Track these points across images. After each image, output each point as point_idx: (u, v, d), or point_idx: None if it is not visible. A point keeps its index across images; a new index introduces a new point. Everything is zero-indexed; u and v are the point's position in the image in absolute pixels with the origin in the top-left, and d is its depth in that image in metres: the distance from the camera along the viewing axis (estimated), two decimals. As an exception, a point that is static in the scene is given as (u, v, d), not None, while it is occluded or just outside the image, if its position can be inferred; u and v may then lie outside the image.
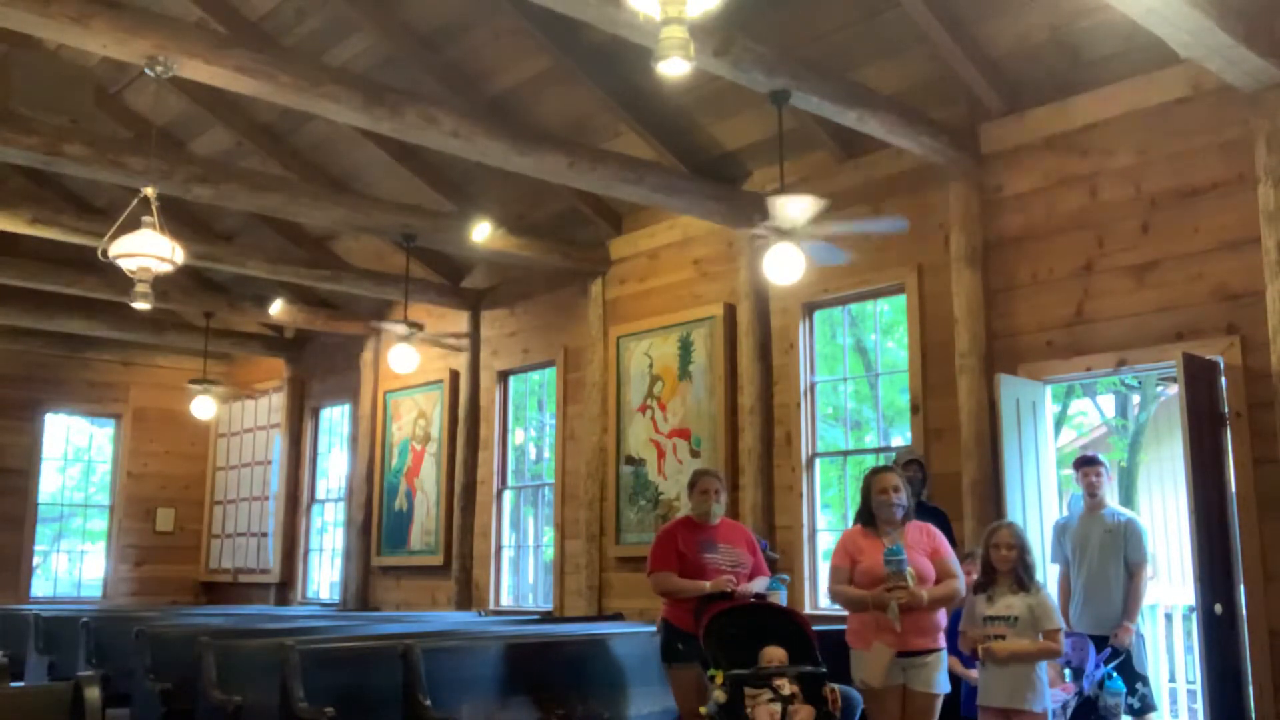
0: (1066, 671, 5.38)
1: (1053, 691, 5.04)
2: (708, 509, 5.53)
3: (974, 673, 4.95)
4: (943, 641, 4.84)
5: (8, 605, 10.83)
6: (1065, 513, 6.52)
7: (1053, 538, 6.13)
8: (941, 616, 4.86)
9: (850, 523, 5.25)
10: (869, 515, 4.96)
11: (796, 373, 7.74)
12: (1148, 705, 5.62)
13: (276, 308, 10.56)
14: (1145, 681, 5.68)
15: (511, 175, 7.44)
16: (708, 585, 5.32)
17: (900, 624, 4.66)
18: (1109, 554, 5.74)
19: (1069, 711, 5.27)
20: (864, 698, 4.88)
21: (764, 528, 7.54)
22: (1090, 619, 5.70)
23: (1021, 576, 4.78)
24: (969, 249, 6.72)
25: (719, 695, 4.78)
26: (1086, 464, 6.00)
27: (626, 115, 7.85)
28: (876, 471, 5.09)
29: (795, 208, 5.88)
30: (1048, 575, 6.03)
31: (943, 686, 4.80)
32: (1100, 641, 5.55)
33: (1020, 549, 4.82)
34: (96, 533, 13.45)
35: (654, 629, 5.74)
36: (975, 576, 5.44)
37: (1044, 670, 4.74)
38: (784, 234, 6.08)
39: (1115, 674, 5.44)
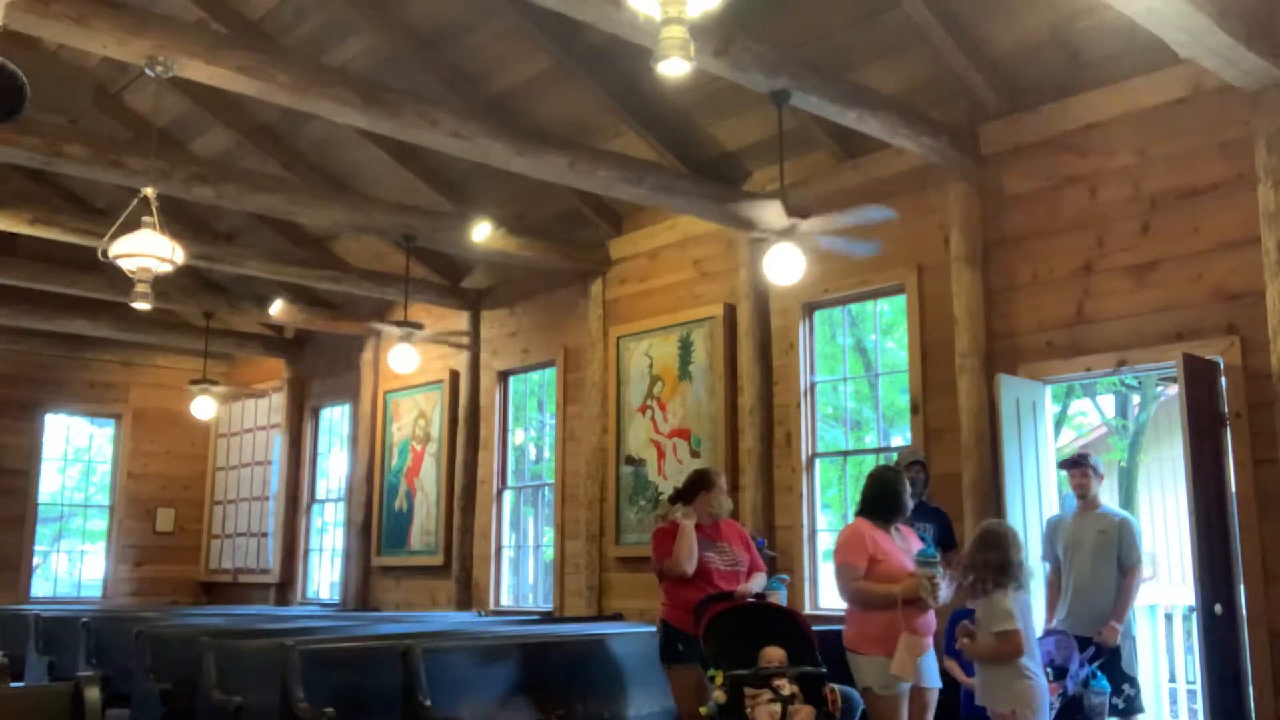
0: (1049, 671, 5.33)
1: None
2: (730, 505, 5.60)
3: (973, 680, 4.96)
4: None
5: (8, 605, 10.82)
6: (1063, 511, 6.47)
7: (1044, 534, 6.03)
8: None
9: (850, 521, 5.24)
10: (890, 512, 4.97)
11: (796, 373, 7.73)
12: (1134, 707, 5.55)
13: (276, 308, 10.55)
14: (1133, 683, 5.61)
15: (511, 175, 7.43)
16: (686, 523, 5.42)
17: (935, 601, 4.68)
18: (1102, 554, 5.66)
19: (1053, 712, 5.24)
20: (875, 704, 4.74)
21: (764, 528, 7.54)
22: (1083, 619, 5.60)
23: (985, 578, 4.74)
24: (969, 249, 6.72)
25: (719, 695, 4.79)
26: (1073, 465, 5.90)
27: (626, 115, 7.85)
28: (897, 470, 5.19)
29: (773, 211, 5.95)
30: (1037, 573, 5.99)
31: (939, 680, 4.91)
32: (1089, 641, 5.51)
33: (982, 548, 4.77)
34: (96, 533, 13.44)
35: (654, 629, 5.74)
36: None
37: (1028, 671, 4.67)
38: (784, 234, 6.09)
39: (1099, 673, 5.40)
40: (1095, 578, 5.66)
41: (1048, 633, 5.61)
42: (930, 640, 4.83)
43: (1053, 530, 5.97)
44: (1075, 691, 5.34)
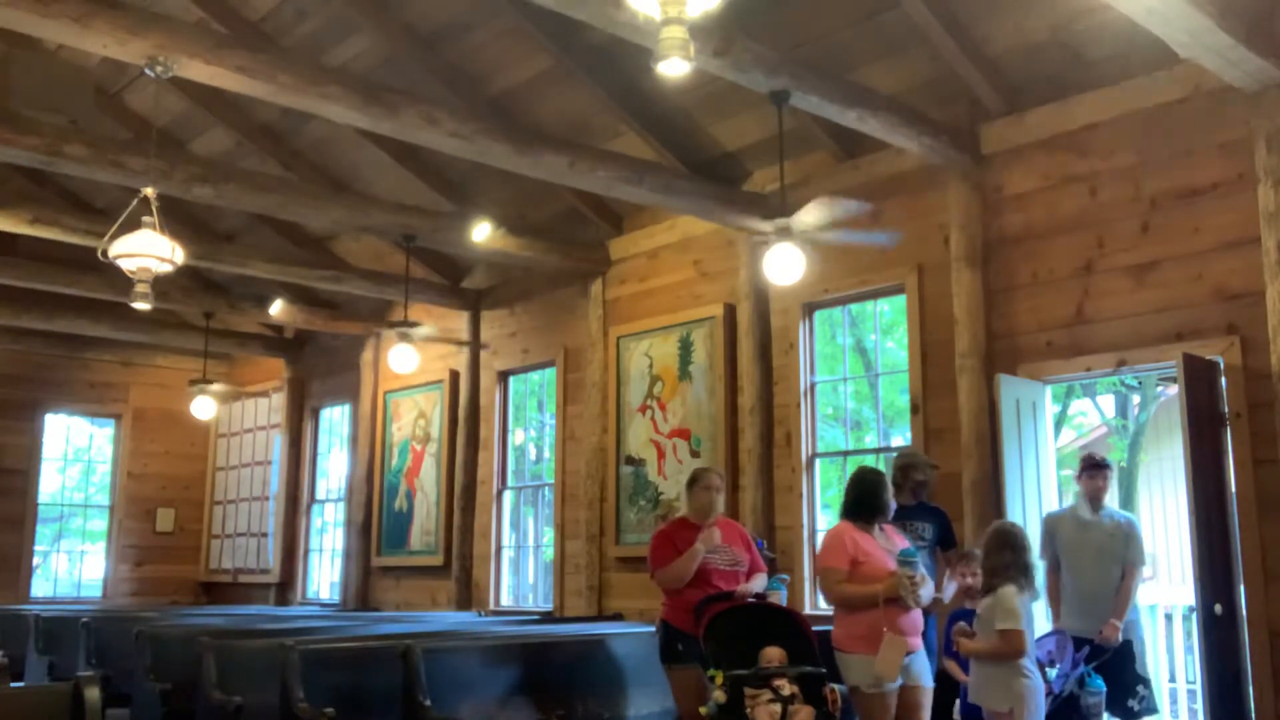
0: (1050, 670, 5.31)
1: None
2: (710, 502, 5.55)
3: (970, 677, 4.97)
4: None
5: (8, 605, 10.82)
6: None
7: (1042, 533, 5.91)
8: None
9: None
10: (872, 512, 4.98)
11: (796, 373, 7.73)
12: (1147, 708, 5.53)
13: (276, 308, 10.55)
14: (1147, 684, 5.57)
15: (511, 175, 7.44)
16: (699, 546, 5.38)
17: (915, 602, 4.71)
18: (1108, 557, 5.62)
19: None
20: (863, 702, 4.75)
21: (764, 528, 7.54)
22: (1089, 620, 5.55)
23: (997, 577, 4.77)
24: (969, 249, 6.72)
25: (719, 695, 4.79)
26: (1097, 468, 5.81)
27: (626, 115, 7.86)
28: (878, 471, 5.16)
29: (812, 214, 5.92)
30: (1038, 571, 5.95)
31: (931, 680, 4.94)
32: (1087, 642, 5.48)
33: (999, 548, 4.80)
34: (96, 533, 13.44)
35: (654, 629, 5.74)
36: (969, 580, 5.44)
37: (1025, 670, 4.67)
38: (784, 234, 6.09)
39: (1094, 673, 5.38)
40: (1100, 579, 5.61)
41: (1050, 632, 5.60)
42: (918, 640, 4.83)
43: (1050, 529, 5.90)
44: (1069, 690, 5.32)
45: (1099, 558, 5.65)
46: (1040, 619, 5.65)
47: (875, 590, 4.71)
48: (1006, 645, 4.61)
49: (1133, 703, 5.48)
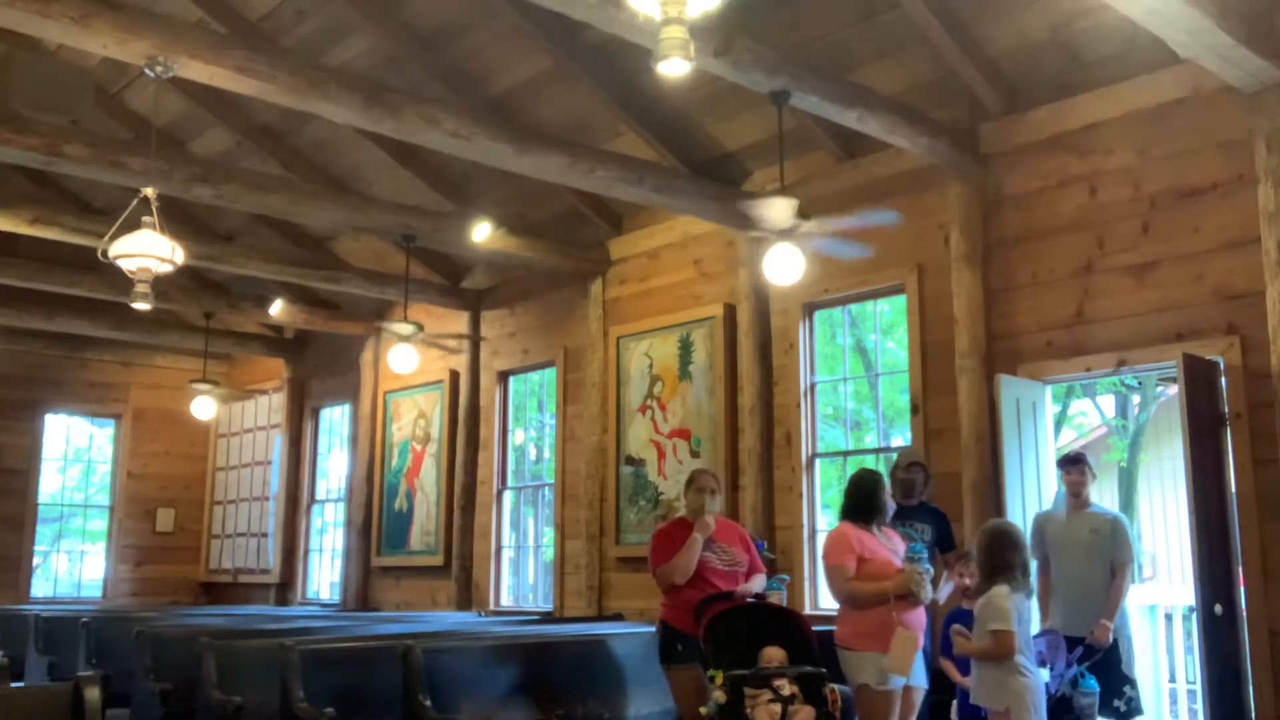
0: (1043, 671, 5.30)
1: None
2: (701, 504, 5.55)
3: (969, 679, 4.96)
4: None
5: (8, 605, 10.82)
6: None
7: (1032, 531, 5.88)
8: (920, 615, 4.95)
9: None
10: (870, 513, 5.00)
11: (796, 373, 7.73)
12: (1134, 709, 5.50)
13: (276, 308, 10.56)
14: (1133, 684, 5.55)
15: (511, 175, 7.44)
16: (697, 535, 5.42)
17: (925, 597, 4.75)
18: (1095, 554, 5.60)
19: None
20: (870, 700, 4.75)
21: (764, 528, 7.54)
22: (1077, 619, 5.54)
23: (987, 577, 4.79)
24: (969, 249, 6.72)
25: (719, 696, 4.79)
26: (1072, 463, 5.84)
27: (626, 115, 7.85)
28: (875, 473, 5.19)
29: (779, 209, 5.94)
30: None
31: (926, 680, 4.99)
32: (1079, 642, 5.47)
33: (987, 548, 4.80)
34: (96, 533, 13.45)
35: (654, 629, 5.74)
36: (966, 580, 5.44)
37: (1023, 669, 4.67)
38: (784, 234, 6.09)
39: (1088, 673, 5.36)
40: (1088, 577, 5.60)
41: (1041, 632, 5.59)
42: (921, 637, 4.86)
43: (1040, 528, 5.89)
44: (1063, 691, 5.32)
45: (1087, 556, 5.64)
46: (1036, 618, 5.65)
47: (886, 587, 4.75)
48: (997, 645, 4.62)
49: (1119, 703, 5.46)
